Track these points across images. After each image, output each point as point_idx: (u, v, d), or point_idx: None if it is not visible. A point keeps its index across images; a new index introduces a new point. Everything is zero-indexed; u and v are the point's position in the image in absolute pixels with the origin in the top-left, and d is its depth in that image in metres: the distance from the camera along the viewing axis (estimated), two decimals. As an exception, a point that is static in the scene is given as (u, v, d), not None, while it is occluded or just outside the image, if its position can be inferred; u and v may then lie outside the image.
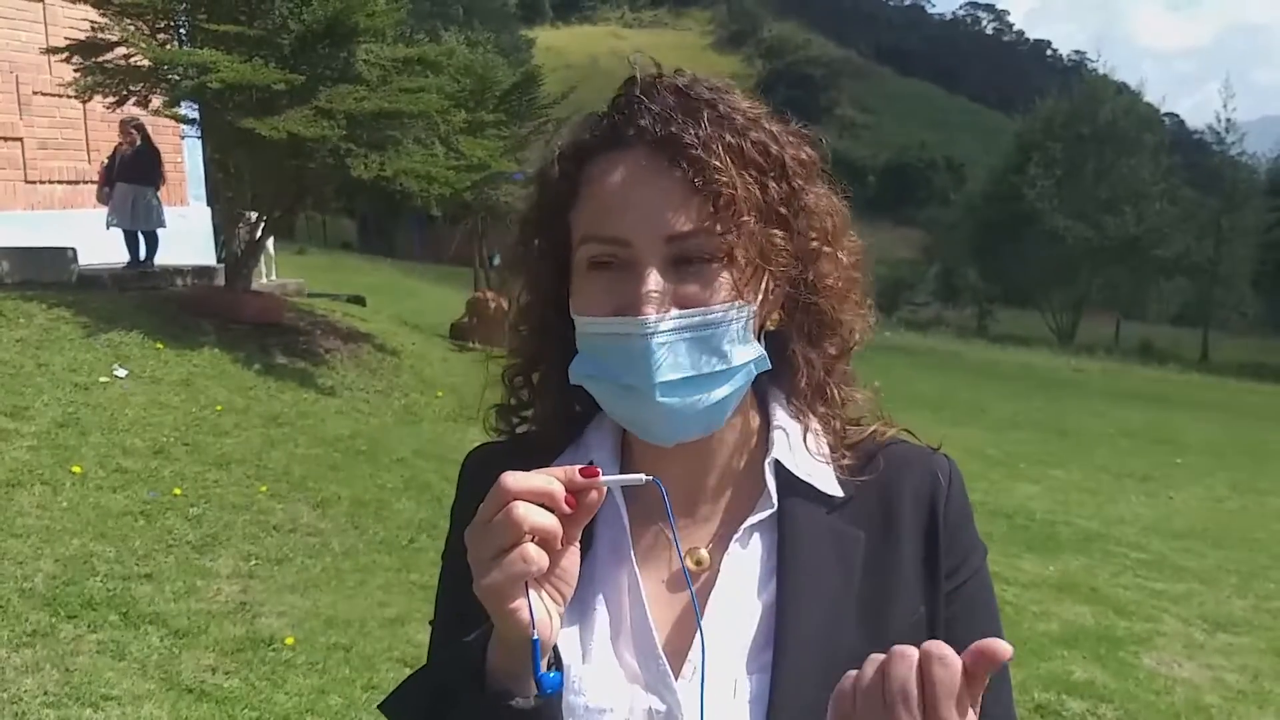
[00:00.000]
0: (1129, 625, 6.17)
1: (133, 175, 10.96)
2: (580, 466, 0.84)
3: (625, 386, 0.95)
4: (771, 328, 1.00)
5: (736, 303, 0.95)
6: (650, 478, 0.87)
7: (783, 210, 0.98)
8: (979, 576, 1.07)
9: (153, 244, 11.32)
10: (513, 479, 0.82)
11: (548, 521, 0.82)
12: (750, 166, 0.96)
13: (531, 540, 0.82)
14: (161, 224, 11.30)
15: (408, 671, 3.64)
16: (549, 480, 0.83)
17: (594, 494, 0.85)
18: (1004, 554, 7.20)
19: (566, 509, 0.83)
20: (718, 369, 0.95)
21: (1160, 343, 43.35)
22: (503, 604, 0.83)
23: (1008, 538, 7.84)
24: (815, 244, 1.01)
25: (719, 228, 0.94)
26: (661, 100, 0.97)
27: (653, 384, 0.93)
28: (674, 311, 0.93)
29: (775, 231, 0.98)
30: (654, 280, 0.93)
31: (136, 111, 9.27)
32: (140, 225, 11.16)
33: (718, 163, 0.94)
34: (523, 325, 1.09)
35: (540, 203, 1.03)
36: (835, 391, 1.06)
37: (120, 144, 11.07)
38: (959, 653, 1.02)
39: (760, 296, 0.98)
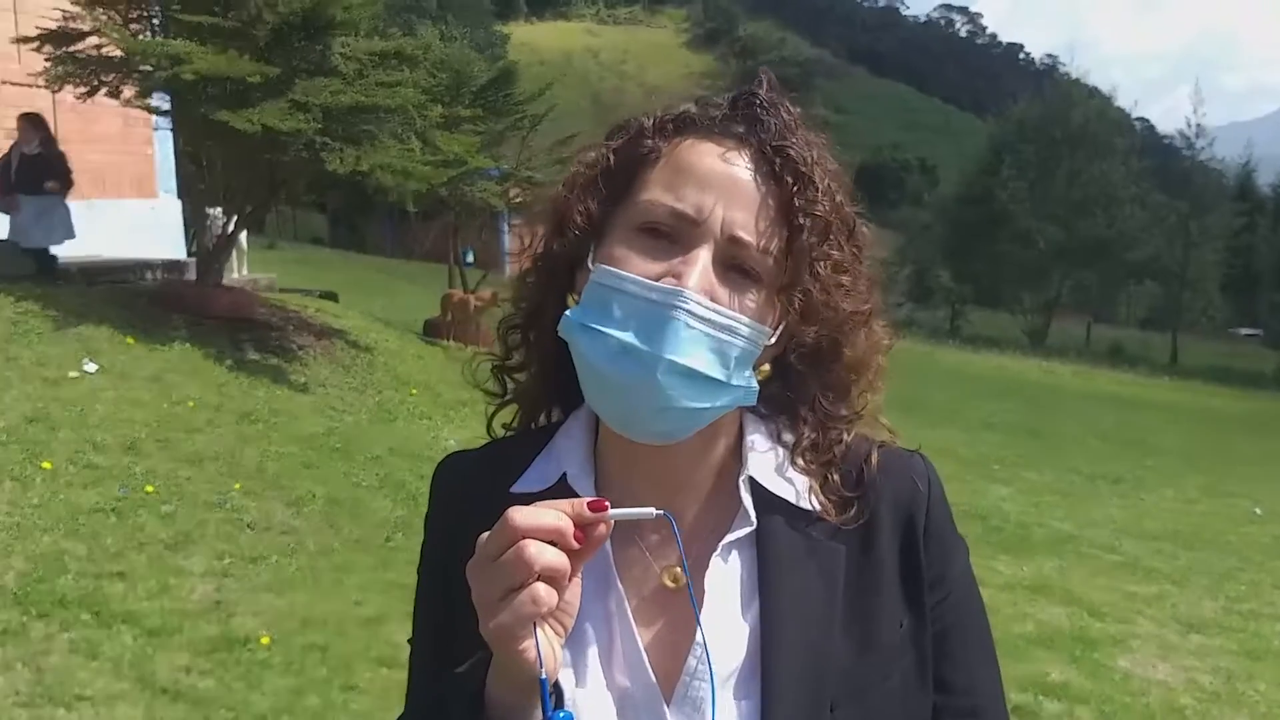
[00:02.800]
0: (1104, 627, 6.22)
1: (37, 184, 9.38)
2: (589, 500, 0.82)
3: (629, 349, 0.91)
4: (760, 378, 0.97)
5: (761, 326, 0.95)
6: (661, 511, 0.85)
7: (846, 269, 0.99)
8: (964, 582, 1.06)
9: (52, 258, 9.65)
10: (521, 516, 0.80)
11: (558, 560, 0.80)
12: (838, 214, 0.98)
13: (539, 579, 0.80)
14: (71, 235, 9.73)
15: (385, 672, 3.61)
16: (558, 516, 0.80)
17: (601, 528, 0.82)
18: (979, 555, 7.13)
19: (575, 545, 0.81)
20: (716, 378, 0.93)
21: (1130, 346, 43.79)
22: (511, 644, 0.81)
23: (982, 539, 7.87)
24: (861, 312, 1.01)
25: (791, 256, 0.95)
26: (780, 117, 0.97)
27: (661, 356, 0.90)
28: (712, 301, 0.92)
29: (842, 279, 0.98)
30: (706, 264, 0.92)
31: (108, 102, 9.10)
32: (54, 241, 9.59)
33: (822, 192, 0.95)
34: (534, 274, 1.07)
35: (616, 150, 1.00)
36: (830, 446, 1.04)
37: (16, 143, 9.57)
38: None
39: (774, 335, 0.97)
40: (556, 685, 0.87)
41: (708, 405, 0.94)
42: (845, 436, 1.05)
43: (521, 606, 0.79)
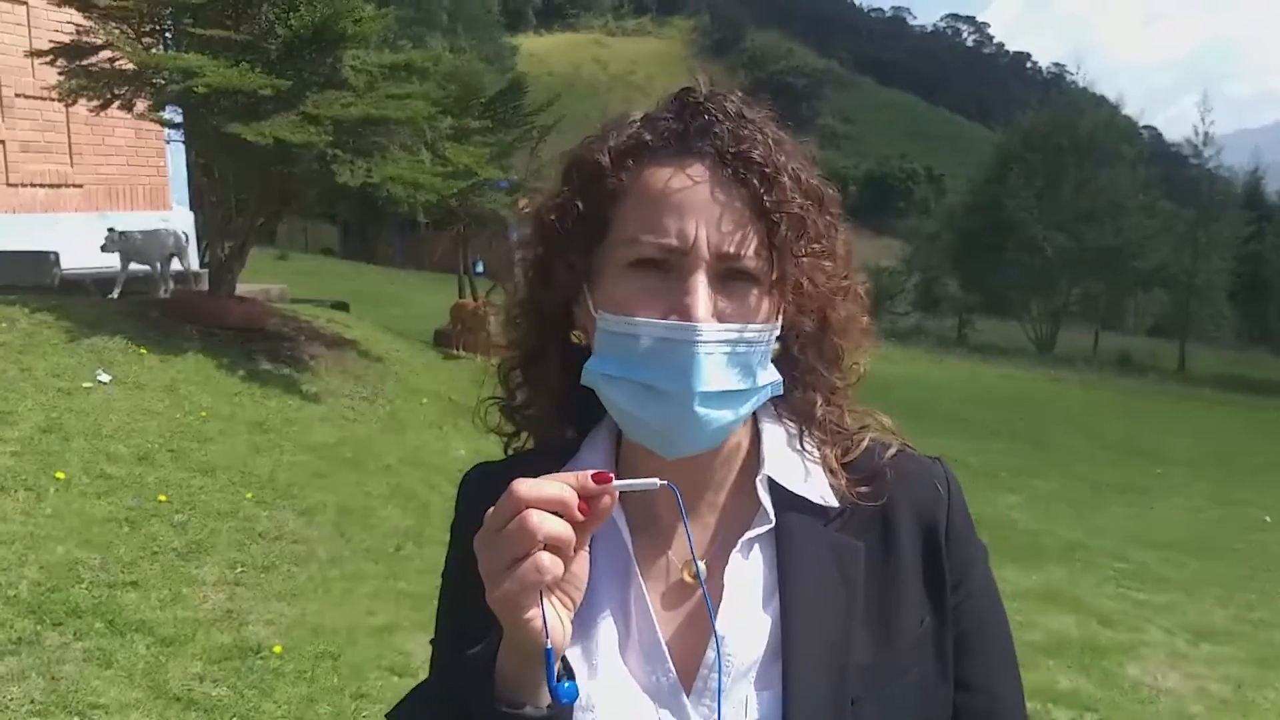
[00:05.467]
0: (1113, 635, 6.22)
1: None
2: (593, 472, 0.84)
3: (655, 390, 0.94)
4: (772, 357, 1.00)
5: (770, 324, 0.97)
6: (664, 482, 0.87)
7: (824, 243, 1.00)
8: (985, 584, 1.08)
9: None
10: (525, 486, 0.82)
11: (562, 530, 0.82)
12: (807, 195, 0.98)
13: (544, 549, 0.81)
14: None
15: (396, 680, 3.62)
16: (562, 487, 0.82)
17: (606, 499, 0.84)
18: (988, 564, 7.26)
19: (579, 516, 0.83)
20: (744, 387, 0.96)
21: (1138, 354, 43.62)
22: (517, 613, 0.82)
23: (991, 547, 7.65)
24: (845, 281, 1.04)
25: (776, 253, 0.95)
26: (729, 115, 0.98)
27: (693, 392, 0.92)
28: (722, 324, 0.94)
29: (824, 263, 1.00)
30: (705, 288, 0.93)
31: (120, 115, 9.17)
32: None
33: (789, 182, 0.96)
34: (521, 319, 1.09)
35: (582, 193, 1.01)
36: (836, 418, 1.07)
37: None
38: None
39: (780, 323, 0.99)
40: (565, 662, 0.89)
41: (744, 413, 0.98)
42: (847, 417, 1.07)
43: (525, 575, 0.81)
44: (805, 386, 1.05)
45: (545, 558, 0.81)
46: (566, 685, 0.86)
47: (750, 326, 0.95)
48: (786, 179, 0.96)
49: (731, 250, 0.94)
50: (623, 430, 1.01)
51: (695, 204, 0.95)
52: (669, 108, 1.01)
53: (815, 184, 1.00)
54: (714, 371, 0.93)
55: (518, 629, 0.83)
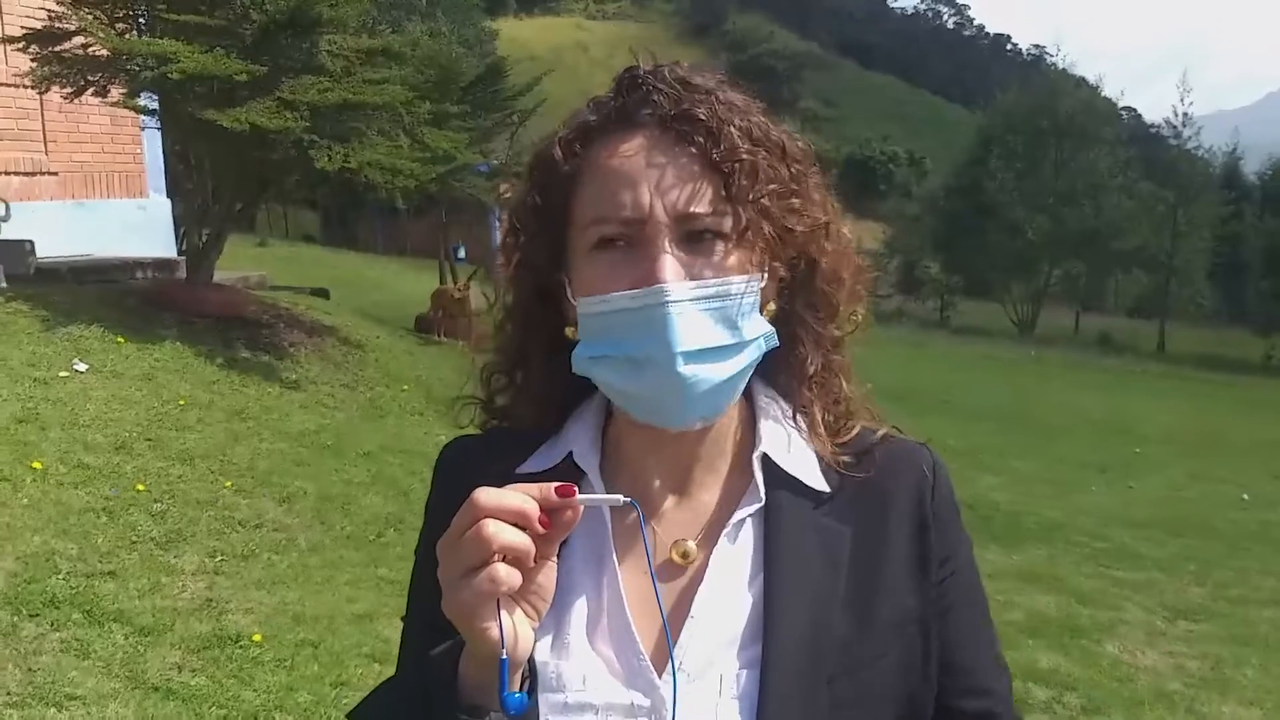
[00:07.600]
0: (1092, 614, 6.26)
1: None
2: (556, 485, 0.83)
3: (640, 361, 0.94)
4: (767, 317, 1.00)
5: (748, 276, 0.96)
6: (628, 499, 0.86)
7: (792, 187, 1.00)
8: (967, 567, 1.10)
9: None
10: (485, 496, 0.81)
11: (519, 540, 0.81)
12: (761, 145, 0.98)
13: (502, 559, 0.81)
14: None
15: (377, 668, 3.61)
16: (523, 499, 0.81)
17: (569, 513, 0.83)
18: (969, 544, 7.29)
19: (540, 529, 0.82)
20: (729, 342, 0.95)
21: (1118, 334, 43.84)
22: (473, 622, 0.82)
23: (972, 528, 7.66)
24: (820, 224, 1.03)
25: (734, 204, 0.95)
26: (669, 83, 0.99)
27: (673, 352, 0.92)
28: (690, 281, 0.94)
29: (793, 200, 0.99)
30: (668, 251, 0.94)
31: (95, 101, 9.07)
32: None
33: (736, 133, 0.96)
34: (509, 323, 1.09)
35: (540, 187, 1.01)
36: (832, 381, 1.07)
37: None
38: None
39: (765, 275, 0.99)
40: (531, 666, 0.89)
41: (736, 369, 0.97)
42: (845, 382, 1.08)
43: (480, 584, 0.80)
44: (796, 341, 1.05)
45: (501, 569, 0.80)
46: (517, 697, 0.85)
47: (725, 281, 0.95)
48: (734, 129, 0.96)
49: (690, 210, 0.94)
50: (628, 412, 1.01)
51: (646, 173, 0.95)
52: (611, 88, 1.02)
53: (776, 136, 1.01)
54: (690, 329, 0.93)
55: (473, 638, 0.83)
